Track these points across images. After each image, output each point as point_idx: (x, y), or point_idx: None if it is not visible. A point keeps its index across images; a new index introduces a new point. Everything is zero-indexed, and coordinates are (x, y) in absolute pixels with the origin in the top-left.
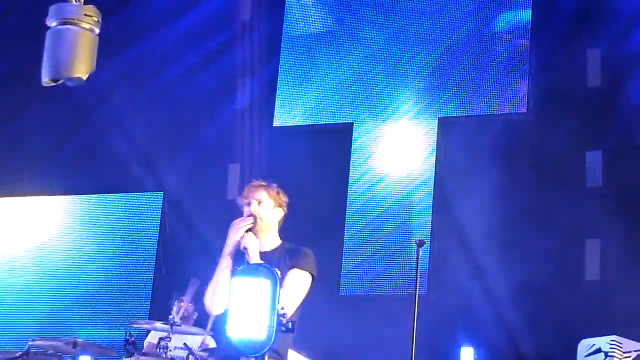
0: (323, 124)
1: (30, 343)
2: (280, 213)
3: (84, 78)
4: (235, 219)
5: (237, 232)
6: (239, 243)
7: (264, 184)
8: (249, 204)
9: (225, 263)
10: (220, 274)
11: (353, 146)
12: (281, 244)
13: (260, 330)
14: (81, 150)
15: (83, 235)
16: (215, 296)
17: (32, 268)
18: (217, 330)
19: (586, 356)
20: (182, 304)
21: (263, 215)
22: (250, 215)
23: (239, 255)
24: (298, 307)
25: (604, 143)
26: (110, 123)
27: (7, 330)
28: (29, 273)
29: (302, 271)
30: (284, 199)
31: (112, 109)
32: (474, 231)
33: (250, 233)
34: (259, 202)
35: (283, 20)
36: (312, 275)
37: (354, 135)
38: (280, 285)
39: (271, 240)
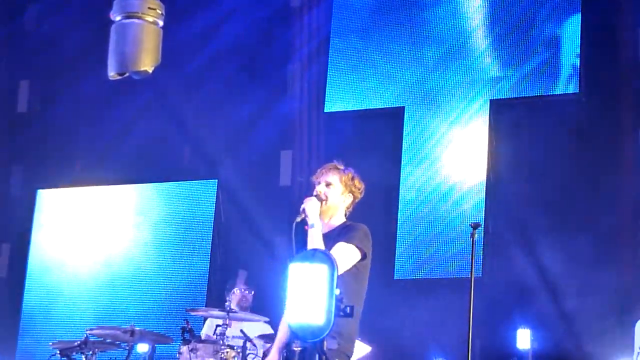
0: (374, 109)
1: (88, 332)
2: (349, 198)
3: (150, 71)
4: (287, 206)
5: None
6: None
7: (339, 167)
8: (318, 184)
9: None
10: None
11: (405, 130)
12: (343, 223)
13: (319, 315)
14: (136, 140)
15: (139, 225)
16: None
17: (89, 258)
18: None
19: None
20: (242, 292)
21: (329, 198)
22: (316, 195)
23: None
24: (354, 297)
25: None
26: (164, 112)
27: (65, 319)
28: (87, 263)
29: (346, 244)
30: (359, 185)
31: (166, 98)
32: (528, 213)
33: (312, 198)
34: (328, 184)
35: (332, 5)
36: (359, 249)
37: (406, 119)
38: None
39: (336, 221)
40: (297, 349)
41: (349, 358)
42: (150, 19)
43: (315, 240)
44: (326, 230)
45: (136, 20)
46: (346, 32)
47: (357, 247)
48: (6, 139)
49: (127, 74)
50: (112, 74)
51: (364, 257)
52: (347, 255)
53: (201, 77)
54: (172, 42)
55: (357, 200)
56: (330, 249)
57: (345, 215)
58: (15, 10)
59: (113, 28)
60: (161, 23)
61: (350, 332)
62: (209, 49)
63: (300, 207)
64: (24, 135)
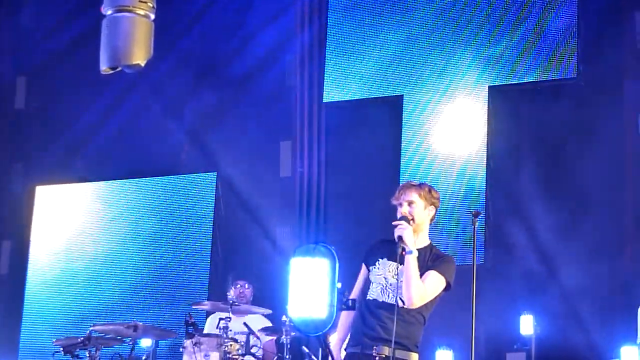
0: (373, 98)
1: (92, 328)
2: (432, 211)
3: (142, 64)
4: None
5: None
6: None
7: (414, 184)
8: (400, 205)
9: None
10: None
11: (404, 118)
12: (429, 245)
13: (321, 309)
14: (135, 134)
15: (140, 219)
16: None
17: (90, 254)
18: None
19: None
20: (243, 289)
21: (415, 216)
22: (402, 217)
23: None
24: (429, 306)
25: None
26: (162, 106)
27: (68, 316)
28: (88, 259)
29: (438, 275)
30: (436, 195)
31: (162, 91)
32: (529, 199)
33: (405, 225)
34: (410, 203)
35: None
36: (447, 282)
37: (405, 107)
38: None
39: (421, 239)
40: (380, 355)
41: None
42: (142, 12)
43: (412, 268)
44: (419, 247)
45: (127, 14)
46: (344, 22)
47: (447, 280)
48: (5, 136)
49: (119, 68)
50: (104, 68)
51: (447, 289)
52: (437, 286)
53: (199, 70)
54: (171, 35)
55: (437, 210)
56: (420, 270)
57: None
58: (12, 6)
59: (104, 22)
60: (152, 16)
61: (419, 347)
62: (208, 41)
63: (395, 236)
64: (23, 132)
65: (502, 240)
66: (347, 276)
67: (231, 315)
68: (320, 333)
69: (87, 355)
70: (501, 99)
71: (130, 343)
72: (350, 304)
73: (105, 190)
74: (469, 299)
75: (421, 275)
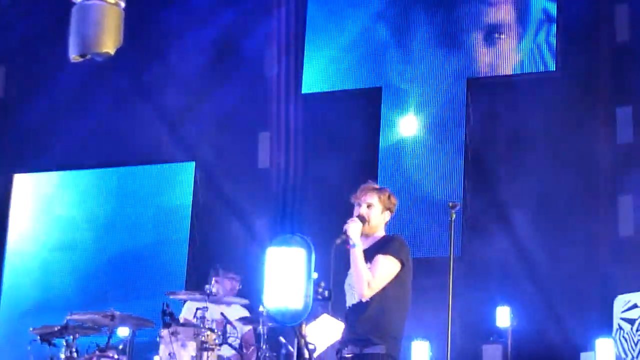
0: (351, 89)
1: (69, 317)
2: (387, 217)
3: (112, 53)
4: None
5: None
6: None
7: (377, 187)
8: (359, 205)
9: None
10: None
11: (382, 110)
12: (382, 237)
13: (297, 299)
14: (114, 123)
15: (118, 208)
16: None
17: (68, 243)
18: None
19: (623, 312)
20: (235, 285)
21: (371, 219)
22: (359, 216)
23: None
24: (393, 292)
25: (635, 98)
26: (141, 96)
27: (45, 304)
28: (65, 248)
29: (385, 257)
30: (394, 202)
31: (140, 79)
32: (507, 191)
33: (356, 220)
34: (369, 206)
35: None
36: (399, 260)
37: (383, 99)
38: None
39: (376, 237)
40: (348, 355)
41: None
42: (112, 0)
43: (358, 261)
44: (369, 244)
45: (97, 2)
46: (322, 14)
47: (394, 257)
48: None
49: (89, 56)
50: (73, 56)
51: (402, 265)
52: (385, 267)
53: (179, 60)
54: (150, 26)
55: (392, 215)
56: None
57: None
58: None
59: (74, 9)
60: (123, 4)
61: (395, 335)
62: (187, 33)
63: (343, 228)
64: (1, 121)
65: (479, 233)
66: (324, 267)
67: (208, 305)
68: (296, 323)
69: (64, 343)
70: (480, 91)
71: (108, 332)
72: (326, 295)
73: (83, 179)
74: (445, 290)
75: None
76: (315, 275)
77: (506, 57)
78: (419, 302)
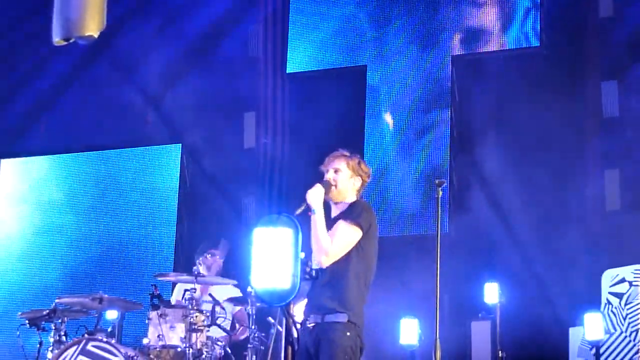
0: (336, 68)
1: (57, 300)
2: (358, 181)
3: (96, 36)
4: (252, 168)
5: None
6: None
7: (345, 154)
8: (326, 172)
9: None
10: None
11: (367, 88)
12: (350, 204)
13: (284, 279)
14: (99, 106)
15: (104, 192)
16: None
17: (55, 226)
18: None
19: (611, 286)
20: (214, 259)
21: (338, 183)
22: (325, 182)
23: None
24: (355, 260)
25: (619, 72)
26: (125, 77)
27: (33, 288)
28: (52, 231)
29: (345, 223)
30: (365, 169)
31: (127, 63)
32: (492, 167)
33: (318, 185)
34: (336, 171)
35: None
36: (358, 224)
37: (368, 77)
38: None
39: (344, 204)
40: (310, 325)
41: (359, 328)
42: None
43: (318, 226)
44: (339, 211)
45: None
46: None
47: (353, 223)
48: None
49: (72, 40)
50: (57, 40)
51: (362, 231)
52: (344, 234)
53: (162, 41)
54: (134, 6)
55: (365, 184)
56: None
57: (358, 197)
58: None
59: None
60: None
61: (357, 304)
62: (171, 12)
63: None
64: None
65: (466, 209)
66: (310, 246)
67: (196, 286)
68: (284, 303)
69: (53, 327)
70: (465, 68)
71: (96, 315)
72: (313, 274)
73: (69, 162)
74: (433, 268)
75: None
76: (302, 255)
77: (491, 33)
78: (407, 280)
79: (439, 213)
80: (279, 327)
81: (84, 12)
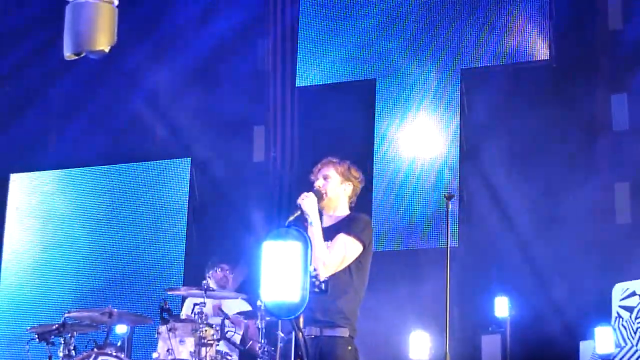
0: (346, 82)
1: (67, 315)
2: (349, 187)
3: (106, 50)
4: (262, 182)
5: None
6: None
7: (334, 160)
8: (316, 180)
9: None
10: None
11: (377, 102)
12: (346, 215)
13: (294, 292)
14: (109, 121)
15: (114, 206)
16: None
17: (65, 241)
18: None
19: (621, 299)
20: (224, 273)
21: (328, 191)
22: (314, 190)
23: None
24: (355, 274)
25: (629, 85)
26: (135, 92)
27: (43, 302)
28: (62, 246)
29: (346, 236)
30: (355, 174)
31: (135, 77)
32: (502, 181)
33: (310, 194)
34: (325, 178)
35: None
36: (359, 240)
37: (377, 90)
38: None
39: (339, 212)
40: (309, 337)
41: (354, 340)
42: None
43: (315, 238)
44: (332, 222)
45: (91, 0)
46: (316, 6)
47: (357, 238)
48: None
49: (83, 54)
50: (68, 54)
51: (363, 247)
52: (346, 248)
53: (173, 55)
54: (143, 21)
55: (358, 190)
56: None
57: (350, 206)
58: None
59: (68, 8)
60: (116, 2)
61: (353, 318)
62: (180, 27)
63: (297, 203)
64: None
65: (476, 223)
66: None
67: (206, 300)
68: (293, 317)
69: (62, 341)
70: (474, 81)
71: (106, 329)
72: (323, 287)
73: (79, 177)
74: (443, 282)
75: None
76: (311, 268)
77: (500, 46)
78: (417, 294)
79: (448, 226)
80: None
81: (94, 26)
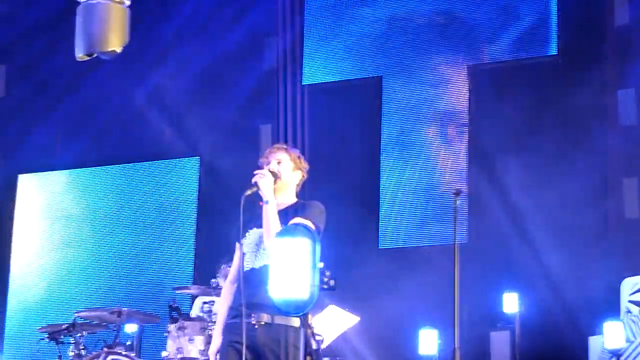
0: (352, 79)
1: (76, 314)
2: (298, 176)
3: (118, 51)
4: None
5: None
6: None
7: (285, 147)
8: (268, 164)
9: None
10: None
11: (384, 99)
12: (295, 202)
13: (303, 289)
14: (117, 120)
15: (123, 205)
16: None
17: (74, 241)
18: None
19: (630, 294)
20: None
21: (282, 175)
22: (270, 171)
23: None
24: None
25: (636, 80)
26: (143, 92)
27: (52, 302)
28: (71, 246)
29: (302, 220)
30: (304, 164)
31: (141, 74)
32: (510, 176)
33: (267, 172)
34: (278, 162)
35: None
36: (315, 225)
37: (384, 88)
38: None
39: (288, 197)
40: (255, 322)
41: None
42: None
43: (271, 217)
44: (280, 208)
45: (102, 1)
46: (322, 3)
47: (313, 223)
48: None
49: (95, 55)
50: (80, 55)
51: (318, 233)
52: None
53: (180, 55)
54: (152, 21)
55: (304, 179)
56: (285, 224)
57: (297, 194)
58: None
59: (79, 9)
60: (128, 2)
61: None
62: (189, 27)
63: (252, 181)
64: (4, 121)
65: (484, 219)
66: (328, 256)
67: (215, 298)
68: (302, 313)
69: (72, 341)
70: (481, 78)
71: (115, 329)
72: (332, 284)
73: (88, 177)
74: (451, 278)
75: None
76: (320, 264)
77: (507, 43)
78: (426, 290)
79: (456, 223)
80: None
81: (106, 27)
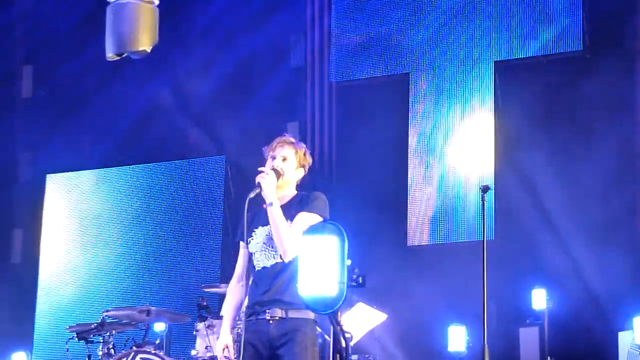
0: (379, 77)
1: (105, 314)
2: (301, 173)
3: (148, 50)
4: None
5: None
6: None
7: (293, 141)
8: (273, 159)
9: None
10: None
11: (410, 96)
12: (296, 194)
13: (332, 287)
14: (144, 120)
15: (150, 204)
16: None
17: (102, 240)
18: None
19: None
20: None
21: (286, 173)
22: (273, 169)
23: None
24: None
25: None
26: (170, 91)
27: (81, 302)
28: (99, 245)
29: (309, 214)
30: (309, 160)
31: (168, 74)
32: (539, 173)
33: (271, 172)
34: (284, 159)
35: None
36: (322, 217)
37: (411, 84)
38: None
39: (287, 192)
40: (270, 317)
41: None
42: None
43: (277, 220)
44: (280, 202)
45: (132, 0)
46: (348, 1)
47: (320, 216)
48: (13, 124)
49: (125, 54)
50: (110, 55)
51: None
52: (310, 224)
53: (207, 54)
54: (181, 21)
55: (304, 175)
56: (291, 219)
57: (296, 188)
58: None
59: (109, 9)
60: (157, 2)
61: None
62: (215, 25)
63: (255, 181)
64: (31, 121)
65: (512, 215)
66: (356, 253)
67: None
68: (331, 311)
69: (101, 340)
70: (507, 74)
71: (144, 327)
72: (360, 281)
73: (115, 176)
74: (480, 275)
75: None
76: (349, 262)
77: (533, 38)
78: (454, 287)
79: (485, 219)
80: (326, 336)
81: (136, 27)
